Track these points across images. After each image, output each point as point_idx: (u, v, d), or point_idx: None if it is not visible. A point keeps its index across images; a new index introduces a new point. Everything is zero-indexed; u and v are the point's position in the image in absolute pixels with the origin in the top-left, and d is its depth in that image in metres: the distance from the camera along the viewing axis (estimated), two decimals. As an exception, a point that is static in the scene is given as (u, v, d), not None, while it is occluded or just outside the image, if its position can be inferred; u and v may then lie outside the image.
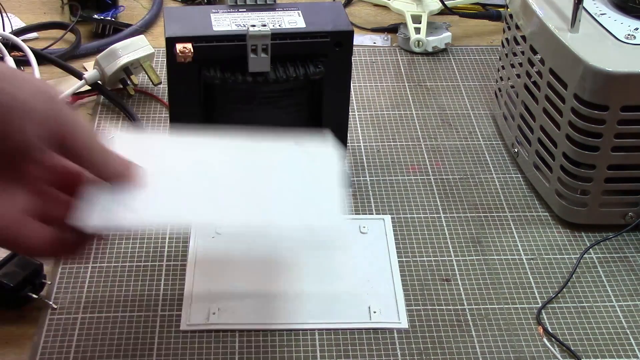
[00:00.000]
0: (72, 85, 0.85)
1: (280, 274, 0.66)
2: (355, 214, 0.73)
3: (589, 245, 0.70)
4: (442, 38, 0.97)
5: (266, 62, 0.67)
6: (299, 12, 0.70)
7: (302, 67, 0.68)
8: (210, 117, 0.71)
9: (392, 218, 0.72)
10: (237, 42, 0.67)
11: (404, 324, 0.62)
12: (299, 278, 0.66)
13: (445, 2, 0.99)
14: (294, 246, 0.68)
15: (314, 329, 0.61)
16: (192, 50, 0.66)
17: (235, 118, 0.71)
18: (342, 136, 0.75)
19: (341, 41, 0.69)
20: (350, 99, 0.75)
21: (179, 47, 0.66)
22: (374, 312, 0.63)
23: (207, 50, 0.67)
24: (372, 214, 0.72)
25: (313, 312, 0.63)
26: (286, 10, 0.71)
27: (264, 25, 0.67)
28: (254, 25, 0.67)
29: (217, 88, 0.69)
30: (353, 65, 0.73)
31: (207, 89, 0.69)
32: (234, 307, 0.63)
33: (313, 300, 0.64)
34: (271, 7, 0.71)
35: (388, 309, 0.63)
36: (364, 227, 0.71)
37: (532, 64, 0.73)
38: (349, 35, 0.69)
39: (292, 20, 0.69)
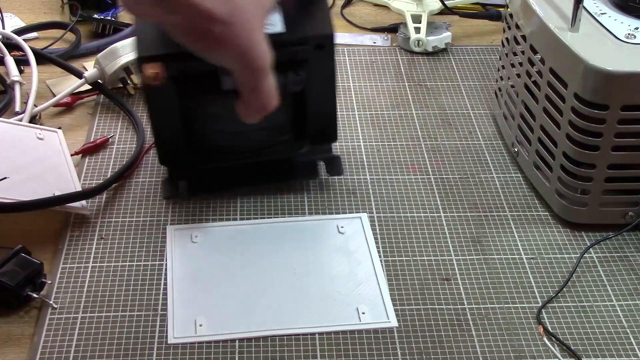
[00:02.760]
0: (72, 84, 0.85)
1: (262, 279, 0.65)
2: (335, 213, 0.72)
3: (589, 244, 0.70)
4: (442, 38, 0.97)
5: None
6: (278, 10, 0.65)
7: (282, 76, 0.63)
8: (191, 132, 0.69)
9: (392, 217, 0.72)
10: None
11: (394, 322, 0.62)
12: (283, 282, 0.65)
13: (445, 2, 0.99)
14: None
15: (306, 334, 0.61)
16: (160, 73, 0.62)
17: (217, 132, 0.69)
18: (328, 145, 0.73)
19: (323, 44, 0.65)
20: (351, 99, 0.75)
21: (148, 70, 0.62)
22: (363, 314, 0.63)
23: (179, 69, 0.63)
24: (373, 212, 0.72)
25: (302, 316, 0.62)
26: None
27: None
28: None
29: (195, 105, 0.67)
30: (353, 65, 0.73)
31: (184, 104, 0.67)
32: (219, 317, 0.62)
33: (301, 304, 0.63)
34: None
35: (376, 309, 0.63)
36: (342, 227, 0.70)
37: (532, 64, 0.73)
38: (330, 38, 0.65)
39: (270, 22, 0.64)
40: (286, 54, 0.64)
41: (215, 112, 0.68)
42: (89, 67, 0.89)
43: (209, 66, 0.59)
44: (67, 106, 0.85)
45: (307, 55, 0.65)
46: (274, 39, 0.58)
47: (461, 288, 0.65)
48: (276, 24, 0.64)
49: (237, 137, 0.70)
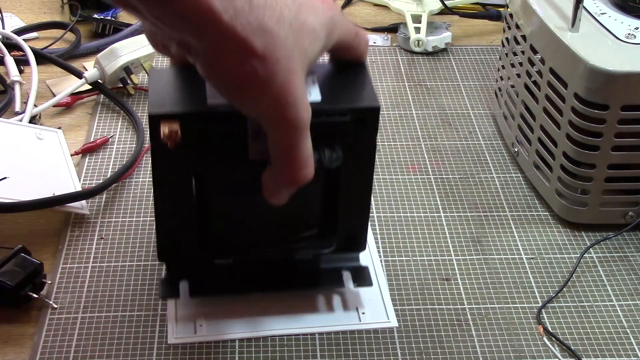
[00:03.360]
0: (72, 84, 0.85)
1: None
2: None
3: (589, 244, 0.70)
4: (442, 38, 0.97)
5: None
6: (314, 77, 0.56)
7: (315, 152, 0.52)
8: (204, 209, 0.58)
9: (392, 217, 0.72)
10: (235, 121, 0.52)
11: (394, 322, 0.62)
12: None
13: (445, 2, 0.99)
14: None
15: (306, 334, 0.61)
16: (179, 133, 0.52)
17: (234, 211, 0.59)
18: (360, 236, 0.62)
19: (365, 119, 0.55)
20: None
21: (165, 128, 0.52)
22: (363, 314, 0.62)
23: (199, 131, 0.53)
24: (372, 212, 0.72)
25: (302, 316, 0.62)
26: None
27: None
28: None
29: (212, 176, 0.57)
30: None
31: (200, 175, 0.57)
32: (219, 317, 0.61)
33: (301, 304, 0.63)
34: None
35: (376, 309, 0.63)
36: None
37: (532, 64, 0.73)
38: (375, 112, 0.55)
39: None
40: (321, 127, 0.53)
41: (235, 190, 0.58)
42: (89, 67, 0.89)
43: (235, 129, 0.52)
44: (67, 106, 0.85)
45: (345, 130, 0.55)
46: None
47: (461, 288, 0.65)
48: (311, 91, 0.55)
49: (255, 225, 0.60)
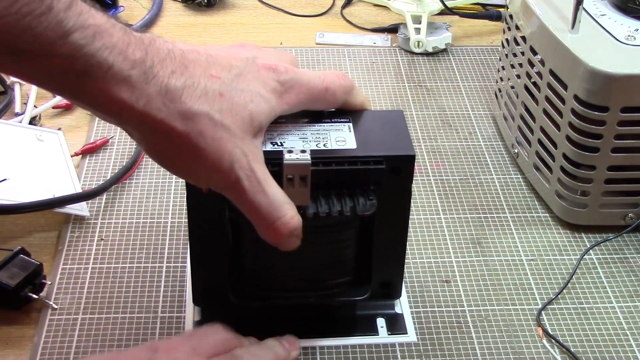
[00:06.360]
0: (72, 85, 0.85)
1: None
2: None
3: (589, 246, 0.70)
4: (442, 38, 0.97)
5: (305, 195, 0.53)
6: (350, 125, 0.57)
7: (349, 199, 0.54)
8: (237, 253, 0.59)
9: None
10: (269, 168, 0.52)
11: (412, 337, 0.61)
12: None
13: (445, 2, 0.99)
14: None
15: (323, 346, 0.61)
16: None
17: (267, 255, 0.57)
18: (395, 284, 0.62)
19: (399, 167, 0.55)
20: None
21: None
22: (381, 327, 0.62)
23: None
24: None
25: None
26: (334, 122, 0.57)
27: (304, 152, 0.53)
28: (291, 151, 0.53)
29: (245, 221, 0.55)
30: (353, 66, 0.72)
31: (233, 221, 0.57)
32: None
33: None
34: (317, 119, 0.57)
35: (395, 322, 0.62)
36: None
37: (532, 65, 0.73)
38: (410, 160, 0.55)
39: (341, 138, 0.55)
40: (356, 174, 0.54)
41: None
42: (89, 68, 0.89)
43: None
44: (67, 107, 0.85)
45: (380, 177, 0.55)
46: (344, 156, 0.54)
47: (461, 290, 0.65)
48: (348, 140, 0.56)
49: (289, 270, 0.59)
